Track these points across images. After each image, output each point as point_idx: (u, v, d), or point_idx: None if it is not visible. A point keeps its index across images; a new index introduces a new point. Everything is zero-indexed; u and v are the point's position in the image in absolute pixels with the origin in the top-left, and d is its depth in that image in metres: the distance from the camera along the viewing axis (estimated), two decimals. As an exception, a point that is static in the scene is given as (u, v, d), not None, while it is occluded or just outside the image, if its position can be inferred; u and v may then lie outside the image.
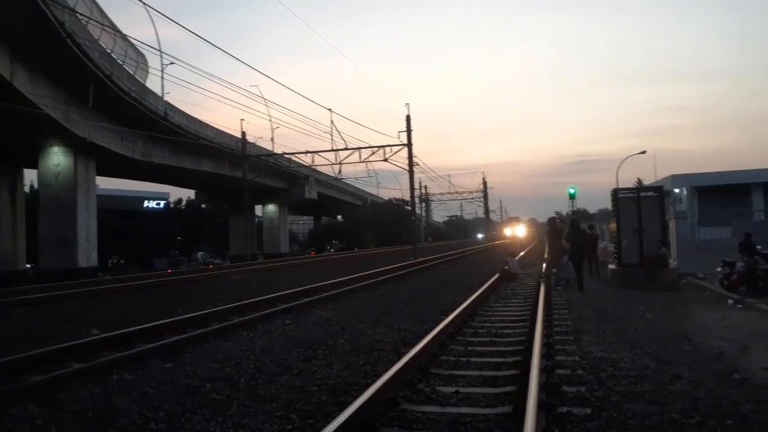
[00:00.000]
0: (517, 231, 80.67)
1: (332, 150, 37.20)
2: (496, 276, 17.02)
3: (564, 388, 5.61)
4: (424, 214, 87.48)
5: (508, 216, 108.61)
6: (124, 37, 28.22)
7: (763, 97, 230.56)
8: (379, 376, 5.65)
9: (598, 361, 6.79)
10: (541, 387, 5.29)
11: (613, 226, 18.85)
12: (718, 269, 14.80)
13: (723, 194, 39.03)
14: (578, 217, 22.49)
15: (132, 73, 29.47)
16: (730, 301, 12.34)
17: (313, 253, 61.14)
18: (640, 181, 48.90)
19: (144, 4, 20.33)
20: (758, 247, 14.54)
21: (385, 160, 36.93)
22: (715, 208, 23.74)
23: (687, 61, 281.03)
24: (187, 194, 70.30)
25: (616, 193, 18.65)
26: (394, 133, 36.65)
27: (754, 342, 8.12)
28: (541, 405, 4.76)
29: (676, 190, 30.22)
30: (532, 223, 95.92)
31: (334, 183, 59.67)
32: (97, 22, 24.92)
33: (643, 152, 44.40)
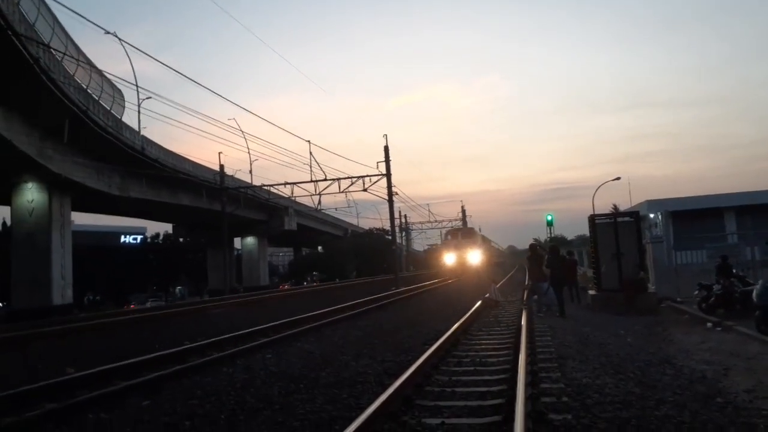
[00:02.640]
0: (470, 257, 46.22)
1: (311, 181, 37.27)
2: (478, 304, 17.00)
3: (550, 416, 5.57)
4: (404, 243, 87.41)
5: (453, 228, 60.67)
6: (99, 72, 28.16)
7: (730, 123, 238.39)
8: (363, 409, 5.55)
9: (583, 388, 6.77)
10: (527, 416, 5.24)
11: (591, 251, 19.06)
12: (696, 292, 14.99)
13: (697, 218, 39.73)
14: (557, 243, 22.68)
15: (108, 108, 29.33)
16: (709, 324, 12.46)
17: (283, 286, 59.89)
18: (616, 207, 49.47)
19: (119, 39, 20.41)
20: (734, 270, 14.79)
21: (365, 190, 37.07)
22: (689, 232, 24.16)
23: (658, 89, 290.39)
24: (164, 228, 69.53)
25: (593, 219, 18.91)
26: (372, 163, 36.94)
27: (734, 364, 8.18)
28: (527, 434, 4.71)
29: (652, 215, 30.65)
30: (508, 251, 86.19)
31: (314, 214, 59.56)
32: (73, 57, 24.85)
33: (618, 178, 44.92)
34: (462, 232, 50.46)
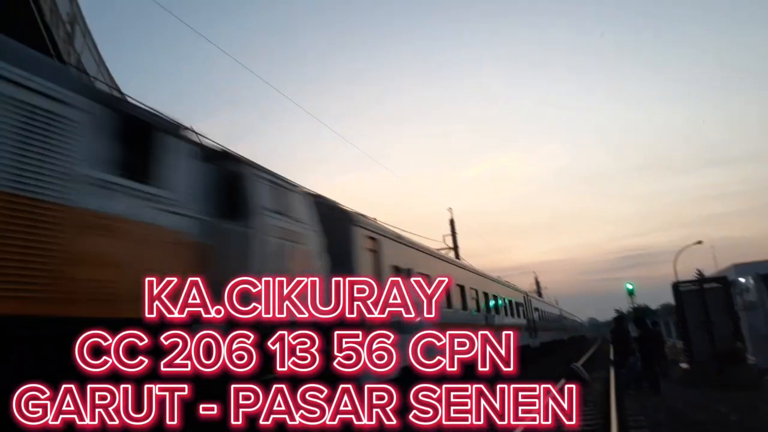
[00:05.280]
0: None
1: (381, 259, 37.44)
2: (562, 382, 16.30)
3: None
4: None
5: None
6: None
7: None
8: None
9: (685, 473, 6.34)
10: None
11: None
12: (802, 362, 13.87)
13: (793, 281, 37.06)
14: (641, 313, 21.64)
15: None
16: (822, 398, 11.43)
17: None
18: (700, 273, 47.07)
19: (196, 133, 21.98)
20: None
21: (434, 265, 36.87)
22: (786, 296, 22.49)
23: (734, 145, 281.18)
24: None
25: (677, 286, 18.08)
26: (438, 236, 36.86)
27: None
28: None
29: (742, 280, 28.83)
30: (588, 323, 78.86)
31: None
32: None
33: (700, 242, 42.78)
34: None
